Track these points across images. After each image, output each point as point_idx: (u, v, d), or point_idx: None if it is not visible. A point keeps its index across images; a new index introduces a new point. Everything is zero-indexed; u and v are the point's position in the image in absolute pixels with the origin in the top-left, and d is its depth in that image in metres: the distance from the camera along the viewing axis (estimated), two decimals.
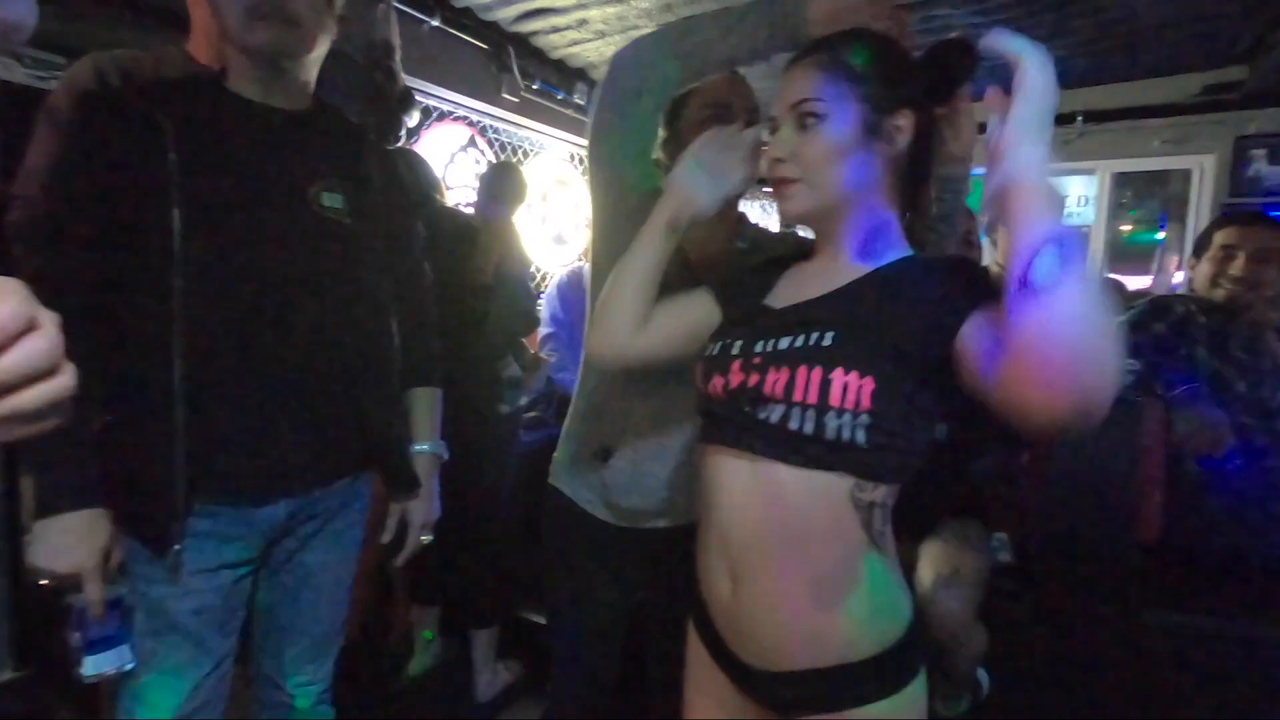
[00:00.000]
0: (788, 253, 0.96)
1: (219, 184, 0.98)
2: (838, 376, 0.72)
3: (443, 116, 3.10)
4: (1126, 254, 6.17)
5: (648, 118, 1.09)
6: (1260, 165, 3.39)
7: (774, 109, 0.85)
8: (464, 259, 2.09)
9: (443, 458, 1.30)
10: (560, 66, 3.46)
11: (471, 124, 3.23)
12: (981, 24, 2.88)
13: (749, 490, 0.79)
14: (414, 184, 2.09)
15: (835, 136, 0.80)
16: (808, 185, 0.82)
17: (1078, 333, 0.58)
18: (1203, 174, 3.65)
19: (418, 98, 2.90)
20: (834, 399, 0.72)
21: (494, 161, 2.55)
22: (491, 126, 3.34)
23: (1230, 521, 1.61)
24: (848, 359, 0.74)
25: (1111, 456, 1.53)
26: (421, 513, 1.25)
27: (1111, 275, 5.94)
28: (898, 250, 0.85)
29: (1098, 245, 4.06)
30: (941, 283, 0.77)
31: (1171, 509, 1.54)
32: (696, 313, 0.95)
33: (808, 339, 0.78)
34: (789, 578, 0.76)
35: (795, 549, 0.76)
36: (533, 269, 3.43)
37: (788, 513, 0.77)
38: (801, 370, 0.75)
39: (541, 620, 2.10)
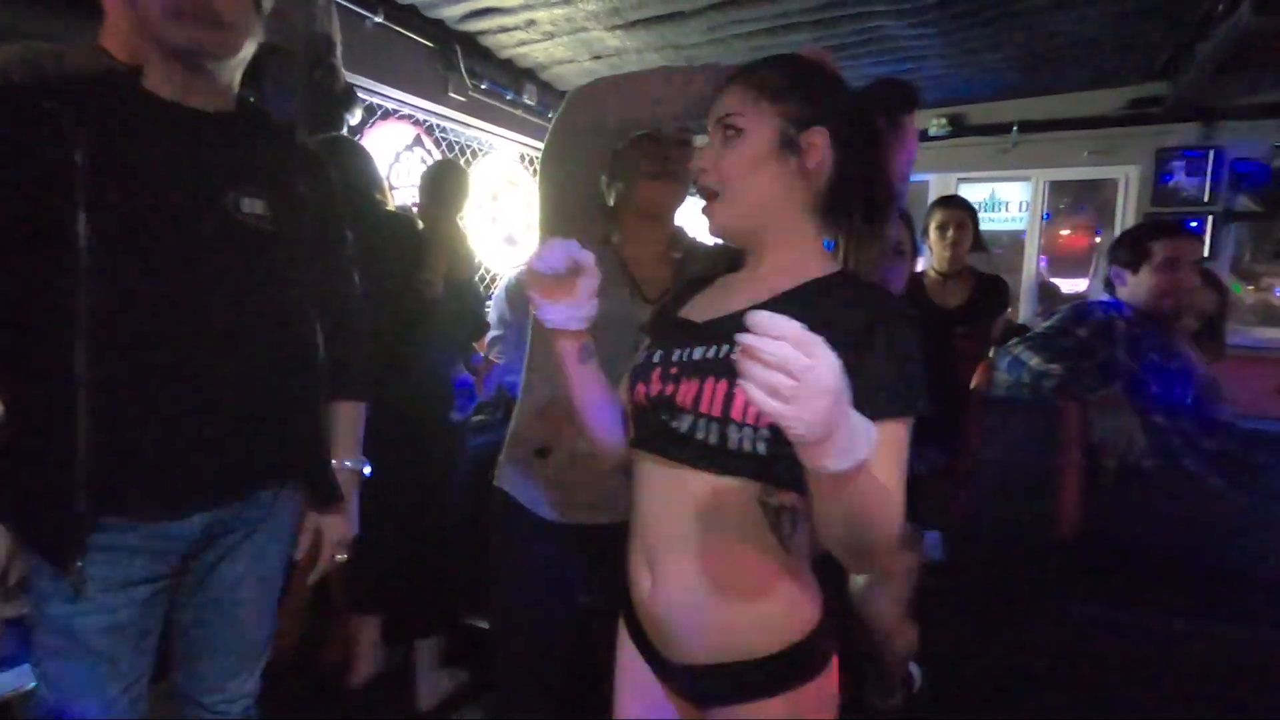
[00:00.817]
0: (722, 266, 0.98)
1: (129, 188, 0.94)
2: (739, 392, 0.74)
3: (387, 115, 3.04)
4: (1064, 257, 6.44)
5: (593, 151, 1.17)
6: (1179, 177, 3.57)
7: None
8: (411, 264, 2.05)
9: (364, 474, 1.28)
10: (509, 66, 3.44)
11: (417, 123, 3.18)
12: (919, 35, 2.97)
13: (664, 492, 0.83)
14: (356, 182, 2.03)
15: (750, 149, 0.82)
16: (726, 196, 0.85)
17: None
18: (1128, 184, 3.83)
19: (361, 95, 2.85)
20: (735, 413, 0.76)
21: (435, 160, 2.52)
22: (439, 125, 3.30)
23: (1145, 518, 1.69)
24: None
25: (1034, 458, 1.60)
26: (338, 529, 1.21)
27: (1051, 279, 6.22)
28: (822, 268, 0.85)
29: (1032, 249, 4.22)
30: (853, 310, 0.76)
31: (1090, 507, 1.62)
32: None
33: (717, 351, 0.80)
34: (699, 575, 0.80)
35: (705, 549, 0.79)
36: (482, 270, 3.40)
37: (698, 515, 0.80)
38: (709, 382, 0.78)
39: (485, 626, 2.08)
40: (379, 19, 2.77)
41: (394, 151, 3.06)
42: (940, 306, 2.70)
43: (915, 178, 4.65)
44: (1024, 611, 1.54)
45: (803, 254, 0.86)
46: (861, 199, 0.86)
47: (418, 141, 3.18)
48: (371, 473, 1.29)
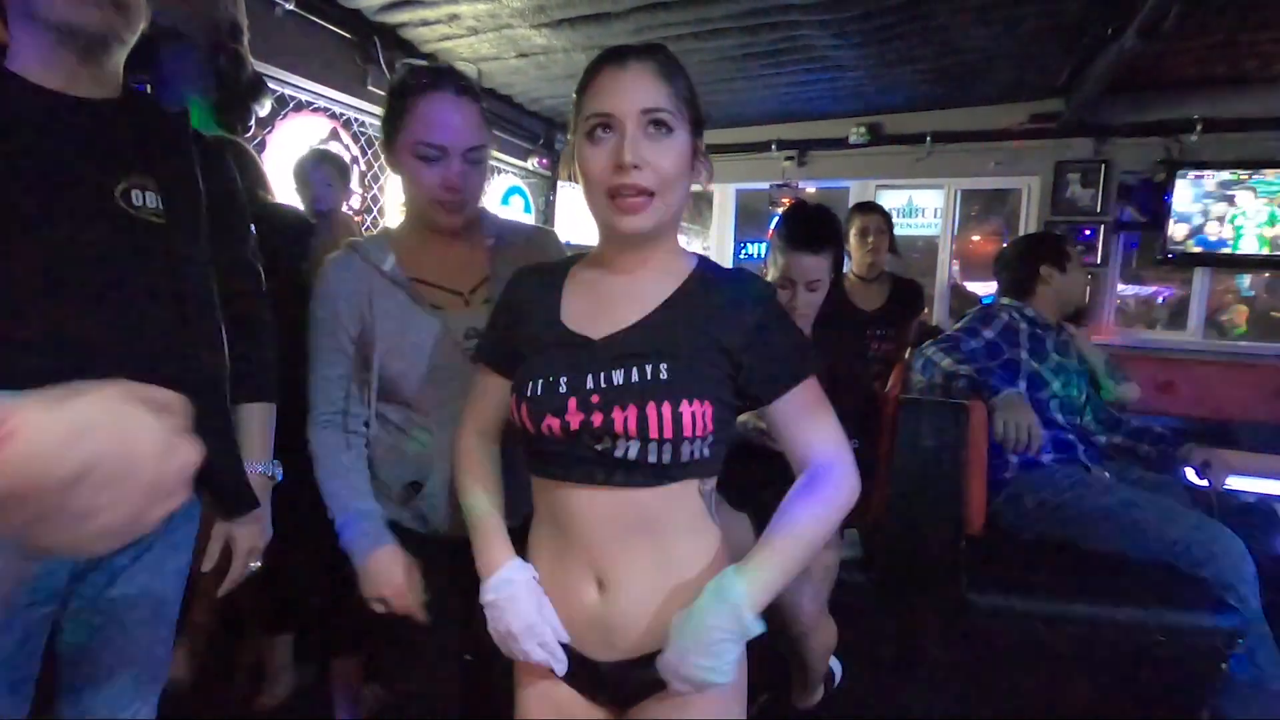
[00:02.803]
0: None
1: (5, 183, 0.86)
2: (685, 409, 0.79)
3: (301, 107, 2.90)
4: (975, 263, 6.79)
5: None
6: (1075, 188, 3.82)
7: (604, 104, 0.81)
8: (301, 259, 1.96)
9: (275, 478, 1.21)
10: (433, 61, 3.34)
11: (334, 116, 3.06)
12: (840, 46, 3.07)
13: (611, 514, 0.84)
14: (246, 181, 1.93)
15: (682, 149, 0.82)
16: (661, 199, 0.82)
17: None
18: (1030, 194, 4.07)
19: (272, 86, 2.71)
20: (687, 430, 0.79)
21: (311, 149, 2.42)
22: (356, 119, 3.18)
23: (1045, 510, 1.80)
24: (689, 389, 0.80)
25: (943, 456, 1.67)
26: (249, 538, 1.14)
27: (963, 283, 6.56)
28: (685, 261, 0.91)
29: (945, 255, 4.42)
30: (733, 304, 0.86)
31: (994, 503, 1.71)
32: (499, 396, 0.96)
33: (644, 374, 0.81)
34: (657, 571, 0.83)
35: (661, 548, 0.83)
36: None
37: (649, 521, 0.84)
38: (651, 407, 0.79)
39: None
40: (290, 6, 2.65)
41: (307, 145, 2.91)
42: (859, 309, 2.80)
43: (836, 184, 4.82)
44: (933, 604, 1.61)
45: (672, 251, 0.91)
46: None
47: (334, 135, 3.05)
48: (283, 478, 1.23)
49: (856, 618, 1.60)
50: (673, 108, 0.80)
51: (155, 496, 0.42)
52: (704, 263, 0.92)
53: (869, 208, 2.89)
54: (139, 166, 0.98)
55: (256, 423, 1.18)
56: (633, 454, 0.80)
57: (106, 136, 0.96)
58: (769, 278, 1.63)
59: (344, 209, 2.23)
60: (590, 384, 0.82)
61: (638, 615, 0.83)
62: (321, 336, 1.18)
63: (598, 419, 0.80)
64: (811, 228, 1.56)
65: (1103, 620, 1.52)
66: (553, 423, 0.82)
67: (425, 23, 3.00)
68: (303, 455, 1.21)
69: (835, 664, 1.65)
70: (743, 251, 4.81)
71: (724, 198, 4.85)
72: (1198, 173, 3.58)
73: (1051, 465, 1.86)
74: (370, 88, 3.07)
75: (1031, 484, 1.82)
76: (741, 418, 1.57)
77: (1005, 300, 2.11)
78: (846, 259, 2.92)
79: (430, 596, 1.17)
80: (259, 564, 1.18)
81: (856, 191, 4.49)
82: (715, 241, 4.90)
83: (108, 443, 0.39)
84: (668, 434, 0.78)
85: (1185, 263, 3.76)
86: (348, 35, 2.91)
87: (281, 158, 2.79)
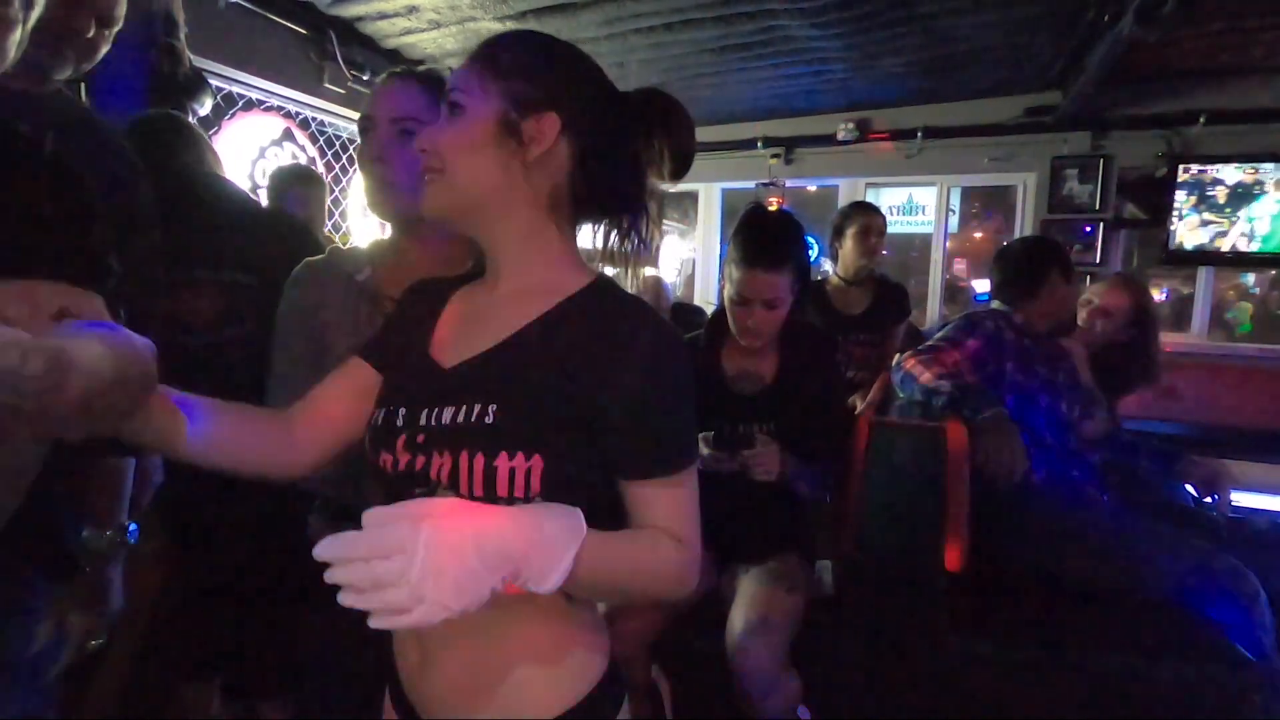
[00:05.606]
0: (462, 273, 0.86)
1: None
2: (502, 463, 0.64)
3: (251, 105, 2.75)
4: (977, 260, 6.66)
5: None
6: (1073, 184, 3.66)
7: None
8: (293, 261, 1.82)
9: (125, 543, 1.06)
10: (396, 57, 3.19)
11: (288, 115, 2.91)
12: (821, 37, 2.91)
13: None
14: (188, 160, 1.75)
15: (469, 129, 0.72)
16: (445, 178, 0.73)
17: None
18: (1026, 191, 3.91)
19: (218, 84, 2.57)
20: (501, 488, 0.64)
21: (288, 167, 2.28)
22: (314, 119, 3.03)
23: (1036, 539, 1.64)
24: (511, 439, 0.65)
25: (918, 482, 1.52)
26: (88, 608, 1.00)
27: (966, 282, 6.41)
28: (574, 279, 0.74)
29: (939, 253, 4.26)
30: (613, 349, 0.68)
31: (979, 532, 1.55)
32: (345, 387, 0.80)
33: (470, 413, 0.67)
34: (476, 646, 0.70)
35: (480, 619, 0.63)
36: None
37: None
38: (464, 456, 0.65)
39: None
40: None
41: (258, 146, 2.77)
42: (840, 314, 2.64)
43: (824, 181, 4.66)
44: (908, 648, 1.45)
45: (547, 263, 0.75)
46: (612, 199, 0.76)
47: (288, 135, 2.90)
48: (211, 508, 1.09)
49: (827, 664, 1.45)
50: (469, 86, 0.72)
51: (147, 384, 0.61)
52: (598, 287, 0.74)
53: (871, 208, 2.71)
54: None
55: (105, 476, 1.03)
56: None
57: None
58: (725, 294, 1.48)
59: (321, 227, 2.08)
60: (422, 420, 0.70)
61: (458, 690, 0.71)
62: (279, 341, 1.11)
63: (419, 462, 0.69)
64: (770, 240, 1.41)
65: (1099, 669, 1.36)
66: (385, 459, 0.71)
67: (383, 15, 2.85)
68: (225, 484, 1.08)
69: (803, 711, 1.50)
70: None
71: (709, 197, 4.69)
72: (1201, 167, 3.42)
73: (1042, 489, 1.70)
74: (328, 85, 2.92)
75: (1019, 512, 1.66)
76: None
77: (993, 305, 1.95)
78: (833, 261, 2.77)
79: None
80: (101, 641, 1.03)
81: (846, 190, 4.34)
82: (700, 242, 4.75)
83: (121, 357, 0.56)
84: (478, 490, 0.65)
85: (1188, 261, 3.59)
86: (300, 30, 2.76)
87: (229, 158, 2.64)
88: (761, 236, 1.42)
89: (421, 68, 1.11)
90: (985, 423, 1.61)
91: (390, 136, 1.03)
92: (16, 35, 0.88)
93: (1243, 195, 3.39)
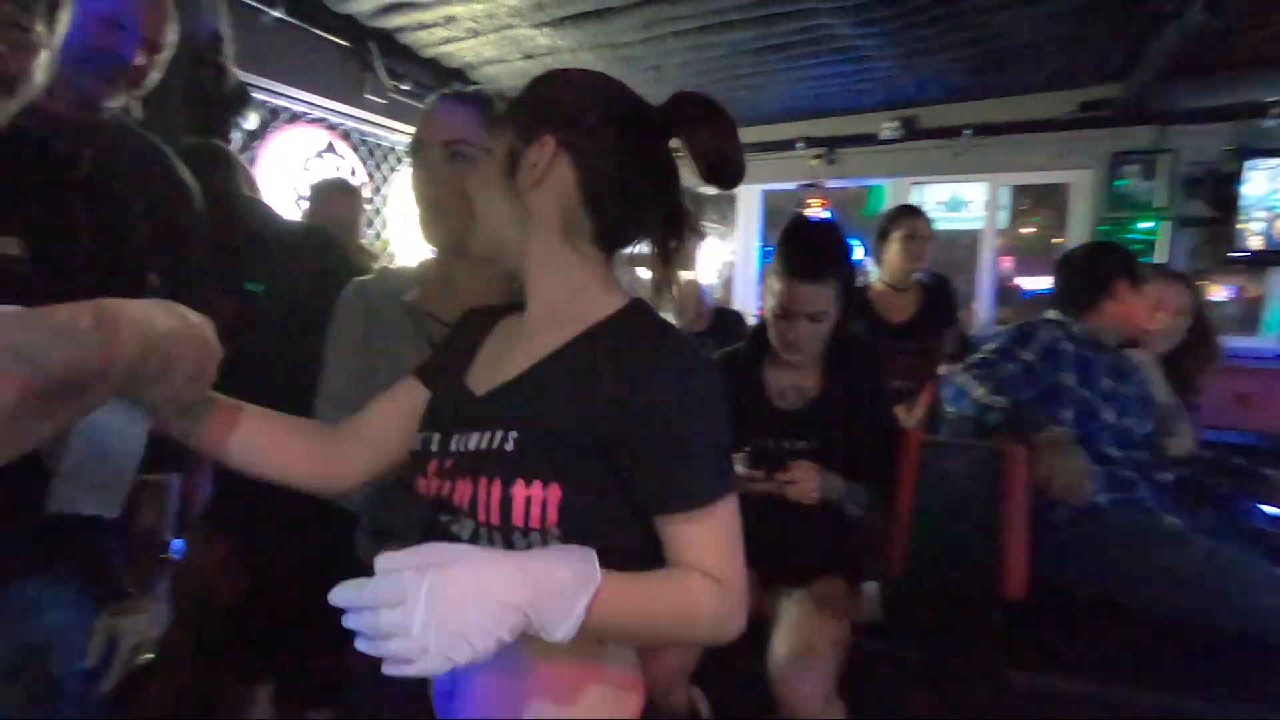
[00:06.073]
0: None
1: None
2: (518, 491, 0.63)
3: (295, 118, 2.80)
4: (1027, 258, 6.45)
5: None
6: (1133, 181, 3.49)
7: None
8: (327, 272, 1.85)
9: (170, 559, 1.08)
10: (435, 66, 3.22)
11: (330, 127, 2.95)
12: (864, 35, 2.82)
13: None
14: (231, 189, 1.80)
15: (483, 169, 0.76)
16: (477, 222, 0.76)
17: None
18: (1081, 188, 3.74)
19: (262, 97, 2.62)
20: (516, 517, 0.63)
21: (327, 180, 2.31)
22: (355, 130, 3.07)
23: (1102, 565, 1.54)
24: (528, 467, 0.63)
25: (974, 505, 1.45)
26: (136, 625, 1.02)
27: (1015, 280, 6.19)
28: (602, 305, 0.71)
29: (989, 253, 4.12)
30: (634, 374, 0.64)
31: (1040, 557, 1.47)
32: (396, 405, 0.81)
33: (491, 440, 0.66)
34: (502, 681, 0.68)
35: (507, 653, 0.61)
36: None
37: None
38: (483, 483, 0.64)
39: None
40: (278, 14, 2.54)
41: (302, 158, 2.81)
42: (886, 322, 2.55)
43: (866, 182, 4.55)
44: (963, 681, 1.38)
45: (571, 289, 0.72)
46: (628, 218, 0.73)
47: (330, 147, 2.94)
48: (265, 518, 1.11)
49: (873, 694, 1.39)
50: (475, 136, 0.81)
51: (204, 348, 0.63)
52: (628, 312, 0.71)
53: (918, 211, 2.61)
54: (3, 215, 0.89)
55: (151, 495, 1.04)
56: (465, 536, 0.67)
57: None
58: (767, 306, 1.43)
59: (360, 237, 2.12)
60: (452, 446, 0.69)
61: None
62: (330, 358, 1.12)
63: (445, 488, 0.68)
64: (813, 251, 1.35)
65: (1171, 709, 1.27)
66: (420, 483, 0.72)
67: (422, 25, 2.88)
68: (280, 496, 1.09)
69: None
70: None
71: (749, 199, 4.62)
72: (1273, 161, 3.22)
73: (1108, 510, 1.60)
74: (368, 96, 2.96)
75: (1084, 536, 1.56)
76: None
77: (1050, 315, 1.85)
78: (876, 266, 2.68)
79: None
80: (151, 656, 1.06)
81: (891, 190, 4.22)
82: (740, 246, 4.69)
83: (169, 313, 0.60)
84: (494, 519, 0.63)
85: (1259, 260, 3.39)
86: (342, 43, 2.79)
87: (274, 170, 2.69)
88: (805, 247, 1.37)
89: (472, 88, 1.09)
90: (1045, 441, 1.52)
91: (441, 159, 1.02)
92: (41, 58, 0.89)
93: None
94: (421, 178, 1.05)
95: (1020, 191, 5.17)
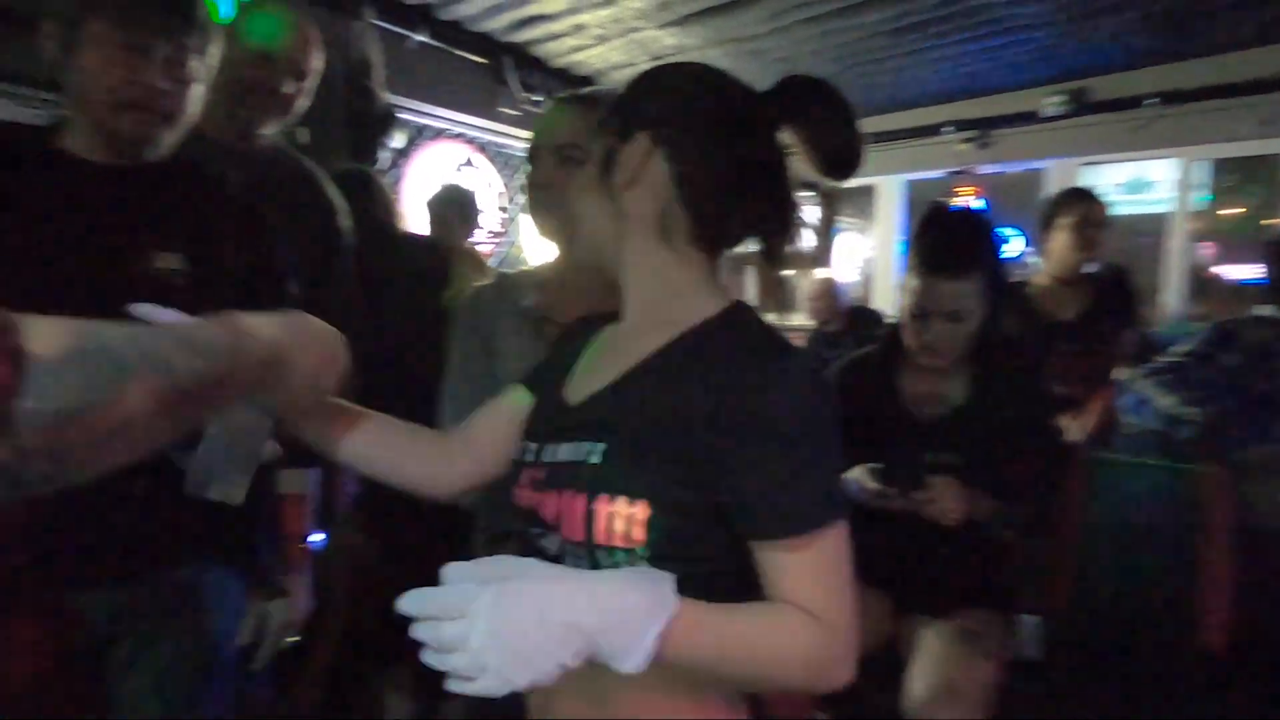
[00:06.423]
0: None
1: (34, 245, 0.90)
2: (601, 506, 0.59)
3: (437, 135, 2.97)
4: (1230, 243, 5.55)
5: None
6: None
7: None
8: (433, 284, 1.95)
9: (312, 551, 1.15)
10: (565, 75, 3.30)
11: (470, 141, 3.10)
12: (1016, 2, 2.54)
13: None
14: (374, 212, 1.95)
15: (582, 174, 0.74)
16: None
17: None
18: None
19: (408, 117, 2.80)
20: (599, 535, 0.59)
21: (439, 188, 2.43)
22: (492, 142, 3.21)
23: None
24: (613, 482, 0.59)
25: (1159, 535, 1.23)
26: (282, 609, 1.10)
27: (1215, 270, 5.34)
28: (701, 308, 0.67)
29: (1181, 239, 3.59)
30: (731, 385, 0.59)
31: (1244, 600, 1.21)
32: (502, 416, 0.80)
33: (578, 452, 0.63)
34: (589, 705, 0.64)
35: (591, 675, 0.57)
36: None
37: None
38: (568, 497, 0.61)
39: None
40: (422, 37, 2.70)
41: (444, 172, 2.98)
42: (1050, 319, 2.27)
43: (1027, 165, 4.11)
44: None
45: (669, 293, 0.68)
46: (728, 216, 0.67)
47: (469, 161, 3.10)
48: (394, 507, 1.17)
49: None
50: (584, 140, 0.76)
51: (332, 359, 0.68)
52: (727, 316, 0.66)
53: (1090, 195, 2.30)
54: (167, 229, 0.99)
55: (295, 488, 1.13)
56: (552, 552, 0.64)
57: (137, 202, 0.98)
58: (902, 306, 1.30)
59: (467, 242, 2.24)
60: (544, 457, 0.67)
61: None
62: (451, 363, 1.15)
63: (535, 500, 0.66)
64: (951, 244, 1.21)
65: None
66: (516, 494, 0.70)
67: (552, 36, 2.96)
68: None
69: None
70: None
71: (888, 191, 4.34)
72: None
73: None
74: (503, 109, 3.08)
75: None
76: (851, 474, 1.26)
77: (1260, 311, 1.55)
78: (1040, 257, 2.39)
79: None
80: (296, 638, 1.14)
81: (1056, 173, 3.79)
82: (879, 241, 4.41)
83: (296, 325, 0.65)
84: (578, 535, 0.60)
85: None
86: (479, 60, 2.93)
87: (419, 184, 2.87)
88: (942, 239, 1.23)
89: (586, 89, 1.09)
90: (1253, 461, 1.26)
91: (553, 163, 1.02)
92: (199, 90, 0.99)
93: None
94: (534, 182, 1.06)
95: (1222, 167, 4.46)
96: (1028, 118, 3.56)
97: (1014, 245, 4.14)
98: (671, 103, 0.67)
